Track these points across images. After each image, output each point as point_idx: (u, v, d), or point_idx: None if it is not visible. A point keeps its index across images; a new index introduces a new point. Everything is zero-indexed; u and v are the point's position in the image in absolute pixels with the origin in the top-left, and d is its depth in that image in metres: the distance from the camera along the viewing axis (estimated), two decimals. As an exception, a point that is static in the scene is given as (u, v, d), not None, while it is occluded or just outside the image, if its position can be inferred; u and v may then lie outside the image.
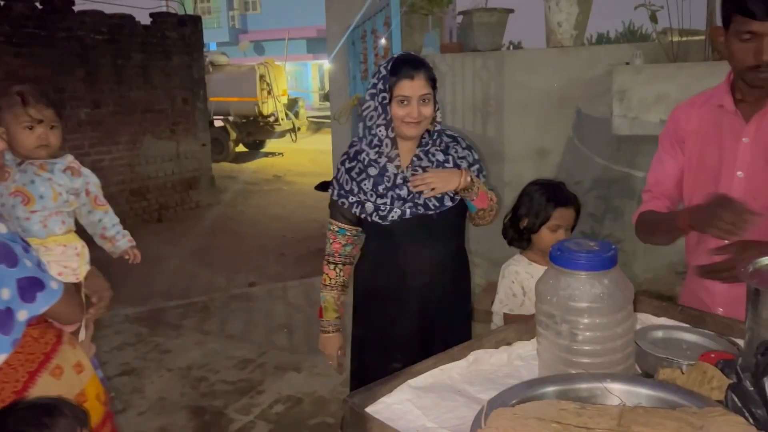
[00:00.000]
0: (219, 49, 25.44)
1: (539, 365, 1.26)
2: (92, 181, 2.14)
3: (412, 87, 1.76)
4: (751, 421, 0.96)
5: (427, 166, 1.83)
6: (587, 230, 3.72)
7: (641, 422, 0.93)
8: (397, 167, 1.84)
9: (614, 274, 1.16)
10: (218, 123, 13.80)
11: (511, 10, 4.05)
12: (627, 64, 3.40)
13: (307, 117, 16.97)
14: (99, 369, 1.82)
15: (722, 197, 1.44)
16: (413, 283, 1.85)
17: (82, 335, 1.79)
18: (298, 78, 29.00)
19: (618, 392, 1.03)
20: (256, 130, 13.88)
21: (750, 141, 1.52)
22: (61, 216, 1.99)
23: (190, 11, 26.31)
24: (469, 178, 1.79)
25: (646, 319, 1.51)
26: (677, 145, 1.69)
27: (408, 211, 1.81)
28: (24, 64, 6.30)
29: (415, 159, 1.86)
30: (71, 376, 1.58)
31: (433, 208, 1.82)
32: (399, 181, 1.82)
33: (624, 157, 3.58)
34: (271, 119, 13.75)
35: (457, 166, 1.86)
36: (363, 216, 1.85)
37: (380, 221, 1.83)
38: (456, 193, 1.82)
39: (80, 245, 2.00)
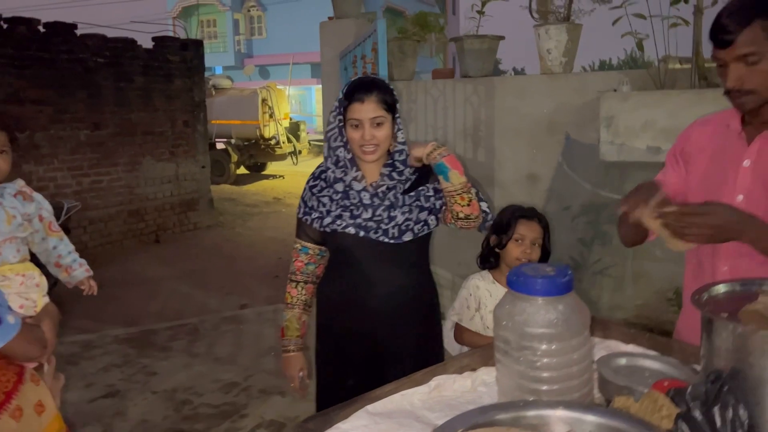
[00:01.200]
0: (225, 72, 25.80)
1: (498, 391, 1.25)
2: (45, 207, 2.05)
3: (361, 110, 1.78)
4: (700, 450, 0.95)
5: (393, 184, 1.84)
6: (576, 256, 3.71)
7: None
8: (363, 186, 1.85)
9: (570, 300, 1.15)
10: (220, 145, 13.92)
11: (502, 37, 4.10)
12: (615, 91, 3.43)
13: (309, 140, 17.10)
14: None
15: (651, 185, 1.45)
16: (371, 303, 1.84)
17: (45, 369, 1.70)
18: (302, 102, 29.30)
19: (568, 420, 1.02)
20: (257, 153, 13.98)
21: (751, 164, 1.50)
22: (15, 243, 1.89)
23: (195, 35, 26.66)
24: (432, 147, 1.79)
25: (615, 345, 1.50)
26: (682, 161, 1.67)
27: (362, 232, 1.81)
28: (26, 86, 6.39)
29: (380, 177, 1.86)
30: (31, 418, 1.49)
31: (391, 237, 1.81)
32: (366, 201, 1.83)
33: (612, 183, 3.59)
34: (272, 142, 13.85)
35: (425, 176, 1.87)
36: (322, 229, 1.85)
37: (336, 231, 1.82)
38: (425, 164, 1.81)
39: (38, 274, 1.90)
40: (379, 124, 1.80)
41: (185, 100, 8.35)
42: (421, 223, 1.84)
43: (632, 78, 3.64)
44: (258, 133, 13.59)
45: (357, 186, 1.83)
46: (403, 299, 1.86)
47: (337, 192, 1.85)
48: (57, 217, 4.80)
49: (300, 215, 1.92)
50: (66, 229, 4.75)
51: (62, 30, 6.78)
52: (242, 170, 14.29)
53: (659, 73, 3.43)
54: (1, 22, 6.23)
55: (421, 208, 1.84)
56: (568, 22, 3.74)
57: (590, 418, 1.01)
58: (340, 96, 1.85)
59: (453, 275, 4.04)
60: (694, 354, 1.37)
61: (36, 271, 1.91)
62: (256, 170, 14.58)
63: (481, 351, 1.46)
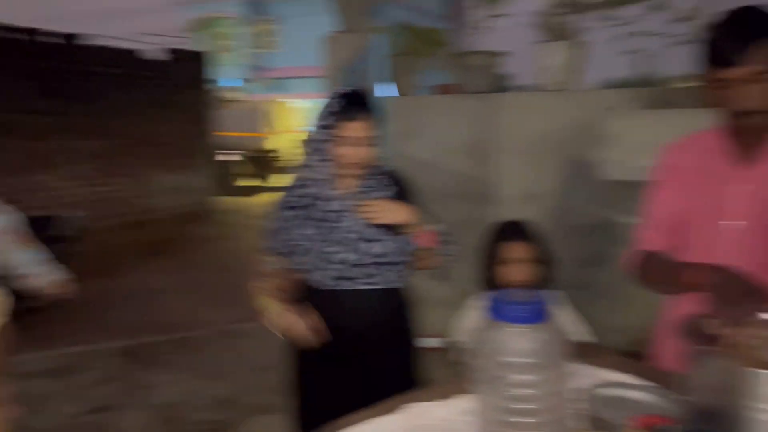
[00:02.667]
0: (237, 85, 25.98)
1: (478, 420, 1.19)
2: (14, 220, 2.04)
3: (354, 128, 1.74)
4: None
5: (369, 199, 1.80)
6: (577, 276, 3.64)
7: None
8: (339, 205, 1.81)
9: (546, 329, 1.10)
10: (225, 158, 13.97)
11: (504, 53, 4.07)
12: (616, 108, 3.38)
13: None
14: None
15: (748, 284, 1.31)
16: (348, 325, 1.80)
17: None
18: (313, 115, 29.33)
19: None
20: (260, 165, 14.02)
21: (755, 188, 1.45)
22: None
23: (208, 48, 26.89)
24: (415, 216, 1.75)
25: (604, 374, 1.43)
26: (667, 187, 1.62)
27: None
28: (36, 96, 6.44)
29: (357, 193, 1.82)
30: None
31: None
32: (343, 222, 1.79)
33: (614, 202, 3.52)
34: (275, 155, 13.90)
35: (401, 199, 1.83)
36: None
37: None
38: (395, 227, 1.77)
39: (2, 293, 1.82)
40: (368, 143, 1.77)
41: (192, 113, 8.40)
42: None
43: (640, 96, 3.59)
44: (260, 146, 13.67)
45: (333, 206, 1.79)
46: (377, 324, 1.82)
47: (313, 211, 1.81)
48: (63, 228, 4.76)
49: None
50: (71, 240, 4.74)
51: (70, 41, 6.83)
52: (246, 182, 14.33)
53: (661, 92, 3.39)
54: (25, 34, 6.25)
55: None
56: (568, 39, 3.70)
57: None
58: (329, 110, 1.78)
59: (454, 292, 3.97)
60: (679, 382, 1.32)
61: (1, 290, 1.81)
62: (260, 182, 14.62)
63: (458, 378, 1.40)
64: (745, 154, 1.45)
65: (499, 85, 4.19)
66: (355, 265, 1.78)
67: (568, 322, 2.05)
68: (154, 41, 9.61)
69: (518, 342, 1.08)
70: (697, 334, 1.03)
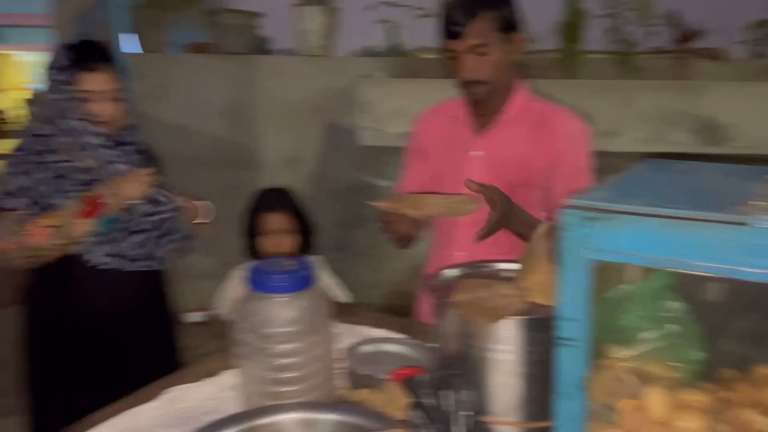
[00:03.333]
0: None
1: (241, 398, 1.15)
2: None
3: (95, 81, 1.55)
4: (431, 435, 0.97)
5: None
6: (338, 238, 3.78)
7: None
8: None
9: (310, 295, 1.10)
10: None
11: (260, 14, 3.96)
12: (370, 77, 3.54)
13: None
14: None
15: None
16: (90, 311, 1.63)
17: None
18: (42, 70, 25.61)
19: (304, 422, 0.97)
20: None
21: (483, 155, 1.57)
22: None
23: None
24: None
25: (364, 331, 1.50)
26: (419, 155, 1.72)
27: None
28: None
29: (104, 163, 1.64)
30: None
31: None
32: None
33: (370, 166, 3.71)
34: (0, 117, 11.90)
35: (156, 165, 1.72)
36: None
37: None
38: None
39: None
40: (115, 98, 1.58)
41: None
42: None
43: (391, 65, 3.78)
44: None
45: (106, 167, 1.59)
46: (131, 300, 1.67)
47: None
48: None
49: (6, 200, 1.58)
50: None
51: None
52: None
53: (412, 62, 3.62)
54: None
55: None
56: (324, 4, 3.74)
57: (326, 417, 0.98)
58: (65, 63, 1.55)
59: (217, 263, 3.84)
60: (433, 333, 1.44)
61: None
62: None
63: (222, 354, 1.34)
64: (481, 122, 1.60)
65: (258, 47, 4.07)
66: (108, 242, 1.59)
67: (328, 285, 2.12)
68: None
69: (280, 312, 1.06)
70: (438, 288, 1.12)
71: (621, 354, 0.90)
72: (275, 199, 2.04)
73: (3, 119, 12.05)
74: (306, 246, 2.10)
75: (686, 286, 0.96)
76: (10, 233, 1.50)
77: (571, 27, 3.39)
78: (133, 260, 1.64)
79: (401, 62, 3.69)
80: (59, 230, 1.50)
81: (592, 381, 0.92)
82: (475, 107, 1.58)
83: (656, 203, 0.77)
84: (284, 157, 3.92)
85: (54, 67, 1.57)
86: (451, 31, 1.45)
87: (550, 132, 1.54)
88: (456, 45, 1.45)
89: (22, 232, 1.49)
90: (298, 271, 1.09)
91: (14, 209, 1.54)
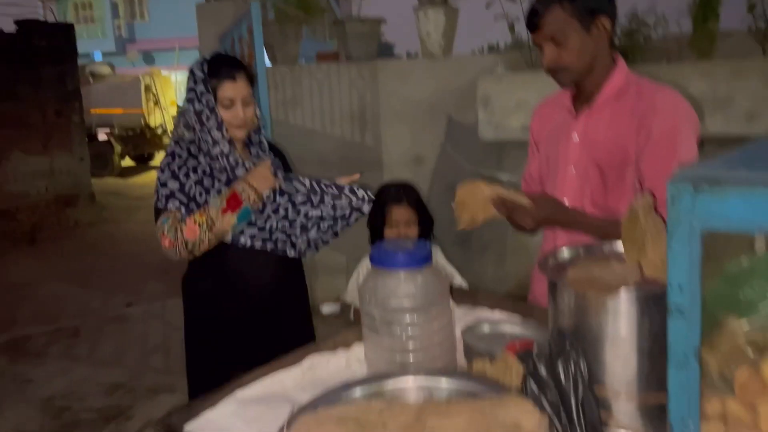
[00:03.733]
0: (105, 59, 24.20)
1: (367, 367, 1.27)
2: None
3: (235, 88, 1.73)
4: (545, 405, 1.01)
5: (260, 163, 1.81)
6: (461, 234, 3.83)
7: (438, 414, 0.95)
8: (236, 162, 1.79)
9: (428, 272, 1.19)
10: (102, 137, 13.10)
11: (382, 20, 4.13)
12: (490, 73, 3.56)
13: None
14: None
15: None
16: (245, 291, 1.82)
17: None
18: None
19: (424, 387, 1.06)
20: (143, 143, 13.29)
21: (579, 138, 1.61)
22: None
23: (70, 18, 24.70)
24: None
25: (482, 313, 1.56)
26: (535, 145, 1.79)
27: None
28: None
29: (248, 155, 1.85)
30: None
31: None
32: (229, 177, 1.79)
33: (491, 161, 3.73)
34: (159, 131, 13.22)
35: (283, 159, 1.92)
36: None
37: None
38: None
39: None
40: (248, 103, 1.77)
41: (57, 89, 7.77)
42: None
43: (509, 60, 3.79)
44: (143, 122, 12.93)
45: (234, 162, 1.78)
46: (275, 283, 1.85)
47: (220, 170, 1.78)
48: None
49: (159, 200, 1.77)
50: None
51: None
52: (128, 162, 13.55)
53: (531, 55, 3.60)
54: None
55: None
56: (445, 4, 3.82)
57: (445, 383, 1.05)
58: (201, 75, 1.75)
59: (347, 259, 4.05)
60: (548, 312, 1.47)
61: None
62: (143, 161, 13.88)
63: (354, 328, 1.47)
64: (579, 107, 1.62)
65: (381, 52, 4.25)
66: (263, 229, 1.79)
67: (445, 270, 2.21)
68: (9, 12, 8.73)
69: (400, 286, 1.16)
70: (552, 267, 1.16)
71: (740, 325, 0.90)
72: (400, 192, 2.16)
73: (162, 133, 13.37)
74: (426, 237, 2.21)
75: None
76: (170, 231, 1.72)
77: (706, 6, 3.20)
78: (275, 241, 1.81)
79: (520, 56, 3.68)
80: (208, 225, 1.71)
81: (708, 352, 0.92)
82: (576, 92, 1.60)
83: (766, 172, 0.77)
84: (407, 156, 4.05)
85: (193, 79, 1.77)
86: (531, 22, 1.52)
87: (645, 110, 1.52)
88: (535, 36, 1.52)
89: (179, 230, 1.71)
90: (416, 250, 1.18)
91: (171, 209, 1.75)
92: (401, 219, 2.11)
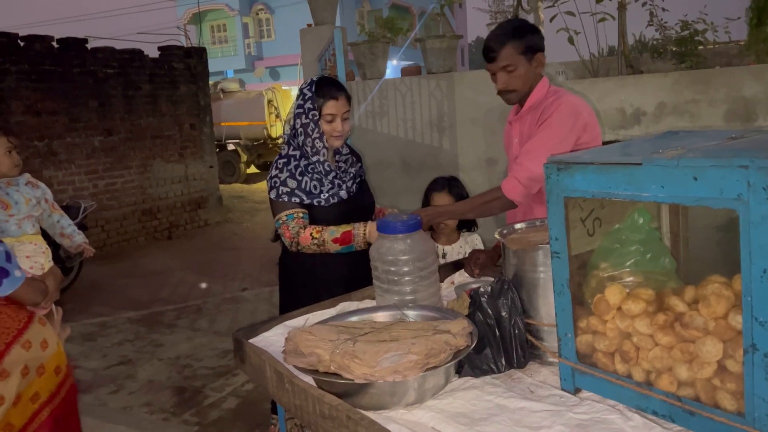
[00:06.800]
0: (236, 75, 26.39)
1: (379, 303, 1.72)
2: (48, 192, 2.87)
3: (336, 106, 2.14)
4: (482, 324, 1.42)
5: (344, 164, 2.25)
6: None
7: (401, 327, 1.40)
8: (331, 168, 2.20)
9: (416, 236, 1.63)
10: (231, 147, 14.52)
11: (460, 36, 4.54)
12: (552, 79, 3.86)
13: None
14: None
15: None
16: (337, 266, 2.19)
17: (55, 317, 2.19)
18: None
19: (400, 314, 1.50)
20: (266, 153, 14.54)
21: (517, 139, 2.13)
22: (32, 220, 2.67)
23: (207, 40, 26.95)
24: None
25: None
26: (506, 150, 2.36)
27: (340, 194, 2.18)
28: (41, 98, 6.98)
29: (336, 160, 2.27)
30: (37, 351, 1.83)
31: (350, 193, 2.22)
32: (331, 177, 2.19)
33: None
34: (280, 141, 14.39)
35: (359, 161, 2.35)
36: (316, 202, 2.15)
37: (321, 204, 2.15)
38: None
39: (45, 245, 2.67)
40: (346, 118, 2.16)
41: (191, 105, 8.91)
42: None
43: (572, 68, 4.07)
44: (266, 133, 14.15)
45: (328, 168, 2.18)
46: (348, 270, 2.18)
47: (320, 172, 2.16)
48: (75, 216, 5.50)
49: (281, 196, 2.12)
50: (83, 227, 5.32)
51: (74, 45, 7.36)
52: (252, 169, 14.85)
53: (592, 64, 3.86)
54: (19, 40, 6.82)
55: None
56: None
57: (420, 312, 1.50)
58: (309, 94, 2.14)
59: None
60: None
61: (44, 243, 2.68)
62: (266, 169, 15.14)
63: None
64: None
65: (458, 65, 4.66)
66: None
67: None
68: (154, 39, 10.05)
69: (396, 245, 1.61)
70: (503, 234, 1.56)
71: (604, 267, 1.26)
72: (443, 183, 2.60)
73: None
74: (467, 224, 2.63)
75: (660, 219, 1.28)
76: (294, 228, 2.08)
77: (762, 11, 3.32)
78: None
79: (582, 65, 3.95)
80: (318, 243, 2.07)
81: (586, 286, 1.29)
82: (519, 108, 2.13)
83: (606, 157, 1.15)
84: (480, 158, 4.44)
85: (302, 97, 2.18)
86: (488, 56, 2.00)
87: (544, 111, 1.97)
88: (491, 66, 2.01)
89: (299, 233, 2.09)
90: (407, 221, 1.62)
91: (295, 207, 2.11)
92: (440, 204, 2.53)
